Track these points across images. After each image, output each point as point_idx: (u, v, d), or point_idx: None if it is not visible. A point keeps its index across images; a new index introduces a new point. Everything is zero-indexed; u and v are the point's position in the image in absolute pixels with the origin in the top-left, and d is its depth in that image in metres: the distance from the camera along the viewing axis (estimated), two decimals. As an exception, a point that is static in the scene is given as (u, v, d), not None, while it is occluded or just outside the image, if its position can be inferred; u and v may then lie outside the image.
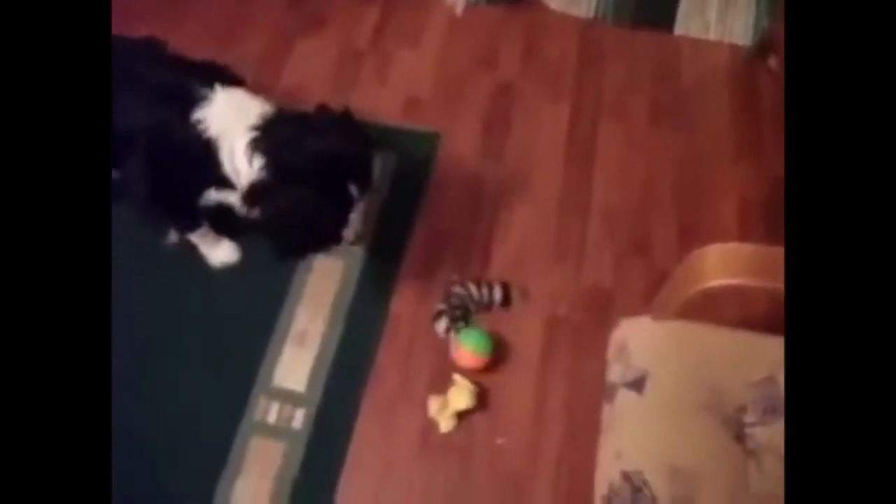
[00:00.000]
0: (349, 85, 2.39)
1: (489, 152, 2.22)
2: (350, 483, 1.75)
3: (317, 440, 1.80)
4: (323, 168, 1.62)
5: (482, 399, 1.81)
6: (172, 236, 2.02)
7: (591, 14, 2.56)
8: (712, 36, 2.51)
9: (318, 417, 1.82)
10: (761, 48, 2.44)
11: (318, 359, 1.89)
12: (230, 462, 1.77)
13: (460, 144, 2.24)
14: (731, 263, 1.29)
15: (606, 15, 2.56)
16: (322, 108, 1.76)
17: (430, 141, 2.24)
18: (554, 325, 1.93)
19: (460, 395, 1.78)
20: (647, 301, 1.49)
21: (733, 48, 2.49)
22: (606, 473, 1.30)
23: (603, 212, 2.12)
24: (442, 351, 1.89)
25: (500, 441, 1.79)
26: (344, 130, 1.69)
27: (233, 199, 1.75)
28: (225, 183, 1.71)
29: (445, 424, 1.78)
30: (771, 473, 1.29)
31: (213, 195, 1.78)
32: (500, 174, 2.18)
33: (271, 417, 1.83)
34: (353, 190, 1.66)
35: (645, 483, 1.26)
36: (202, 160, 1.67)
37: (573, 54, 2.45)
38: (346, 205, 1.68)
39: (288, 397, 1.85)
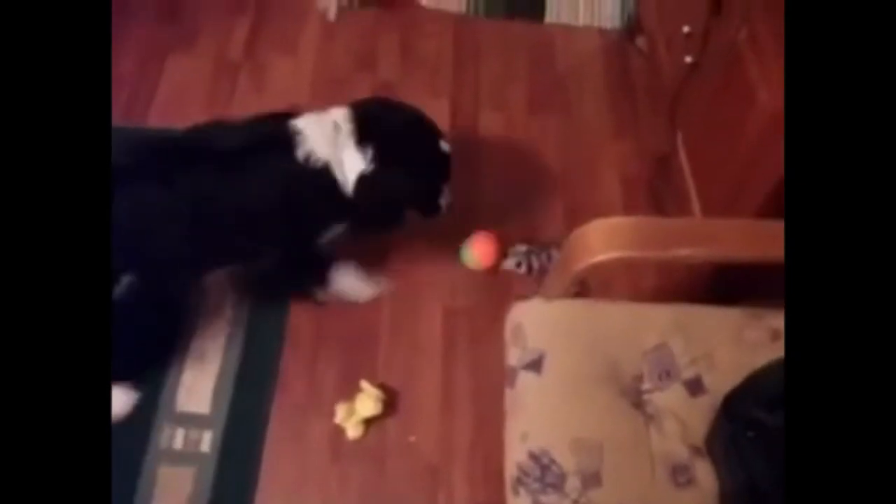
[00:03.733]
0: (227, 98, 2.36)
1: (374, 154, 2.22)
2: (265, 500, 1.72)
3: (227, 461, 1.76)
4: (421, 138, 1.74)
5: (390, 403, 1.81)
6: (320, 294, 1.93)
7: (463, 9, 2.59)
8: (582, 22, 2.59)
9: (226, 438, 1.79)
10: (629, 30, 2.52)
11: (220, 376, 1.86)
12: (139, 493, 1.72)
13: (345, 148, 2.22)
14: (612, 237, 1.33)
15: (478, 8, 2.60)
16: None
17: (314, 148, 2.23)
18: (452, 316, 1.95)
19: (367, 403, 1.78)
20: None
21: (603, 32, 2.57)
22: (514, 456, 1.32)
23: (492, 201, 2.14)
24: (348, 356, 1.88)
25: (412, 439, 1.80)
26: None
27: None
28: (341, 211, 1.73)
29: (353, 431, 1.77)
30: (671, 435, 1.34)
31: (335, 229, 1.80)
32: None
33: (177, 443, 1.78)
34: (445, 146, 1.75)
35: (552, 460, 1.28)
36: (327, 195, 1.66)
37: (449, 49, 2.48)
38: (445, 165, 1.77)
39: (193, 421, 1.81)
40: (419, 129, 1.75)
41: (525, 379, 1.37)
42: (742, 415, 1.29)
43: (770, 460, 1.23)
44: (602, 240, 1.32)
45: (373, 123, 1.67)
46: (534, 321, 1.43)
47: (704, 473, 1.31)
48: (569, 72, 2.45)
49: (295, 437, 1.79)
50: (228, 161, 1.60)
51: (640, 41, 2.45)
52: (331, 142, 1.64)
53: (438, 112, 2.30)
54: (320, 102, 2.31)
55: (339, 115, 1.68)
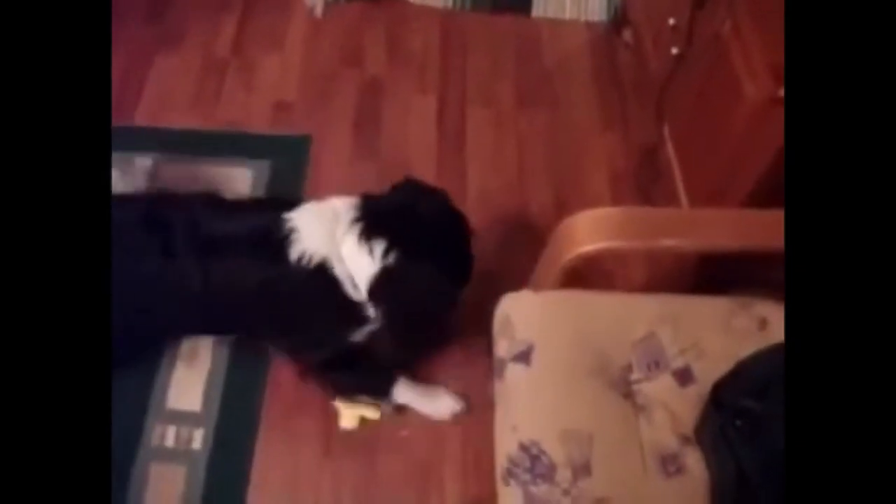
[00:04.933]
0: (214, 96, 2.35)
1: (362, 150, 2.22)
2: (258, 496, 1.72)
3: (219, 458, 1.76)
4: (445, 230, 1.53)
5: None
6: (386, 404, 1.80)
7: (450, 3, 2.59)
8: (568, 15, 2.59)
9: (218, 435, 1.78)
10: (616, 23, 2.52)
11: (211, 374, 1.85)
12: (131, 491, 1.72)
13: (333, 145, 2.23)
14: (599, 228, 1.34)
15: (465, 2, 2.60)
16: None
17: (301, 145, 2.23)
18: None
19: (370, 408, 1.79)
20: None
21: (590, 25, 2.57)
22: (504, 448, 1.32)
23: (480, 196, 2.14)
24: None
25: (404, 434, 1.80)
26: (424, 190, 1.58)
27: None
28: (353, 314, 1.55)
29: (347, 422, 1.78)
30: (661, 425, 1.35)
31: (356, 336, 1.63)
32: (375, 171, 2.18)
33: (169, 441, 1.78)
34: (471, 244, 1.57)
35: (542, 451, 1.29)
36: (327, 295, 1.50)
37: (436, 44, 2.49)
38: (469, 263, 1.58)
39: (184, 418, 1.81)
40: (447, 220, 1.55)
41: (514, 371, 1.37)
42: (730, 404, 1.30)
43: (758, 448, 1.24)
44: (589, 230, 1.33)
45: (384, 214, 1.50)
46: (522, 313, 1.43)
47: (694, 462, 1.32)
48: (556, 66, 2.45)
49: (286, 433, 1.79)
50: (214, 249, 1.49)
51: (627, 34, 2.46)
52: (328, 235, 1.48)
53: (426, 109, 2.32)
54: (308, 99, 2.33)
55: (341, 205, 1.52)
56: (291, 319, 1.58)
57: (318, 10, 2.55)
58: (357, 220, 1.48)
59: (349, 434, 1.78)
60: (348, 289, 1.50)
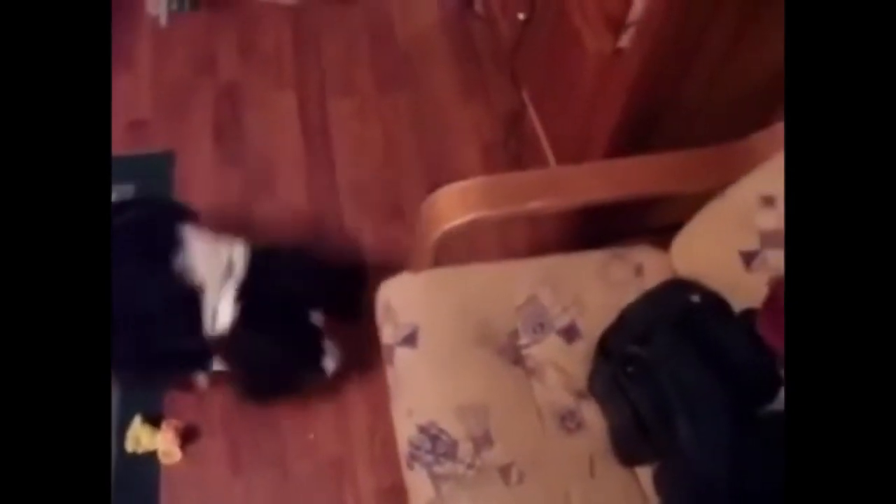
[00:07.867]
0: (65, 124, 2.25)
1: (227, 158, 2.16)
2: (171, 529, 1.67)
3: (123, 497, 1.68)
4: (286, 304, 1.54)
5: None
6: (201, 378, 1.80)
7: (297, -3, 2.54)
8: (416, -7, 2.57)
9: (119, 472, 1.71)
10: (466, -4, 2.53)
11: (100, 412, 1.78)
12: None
13: (196, 158, 2.16)
14: (463, 201, 1.34)
15: (312, -6, 2.55)
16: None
17: (164, 163, 2.15)
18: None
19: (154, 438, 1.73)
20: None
21: (441, 1, 2.56)
22: (404, 433, 1.32)
23: (353, 188, 2.13)
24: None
25: (310, 436, 1.78)
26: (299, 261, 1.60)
27: None
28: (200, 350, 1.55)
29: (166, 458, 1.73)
30: (554, 384, 1.37)
31: None
32: (242, 178, 2.14)
33: (68, 488, 1.70)
34: (316, 319, 1.58)
35: (441, 430, 1.29)
36: (186, 319, 1.48)
37: (289, 40, 2.43)
38: (315, 339, 1.59)
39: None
40: (324, 292, 1.60)
41: (402, 355, 1.37)
42: (618, 352, 1.33)
43: (649, 391, 1.27)
44: (452, 205, 1.33)
45: (259, 278, 1.51)
46: (402, 296, 1.43)
47: (592, 415, 1.34)
48: (412, 46, 2.43)
49: (189, 458, 1.73)
50: None
51: (478, 5, 2.46)
52: (217, 275, 1.48)
53: (287, 107, 2.28)
54: (164, 113, 2.26)
55: (236, 255, 1.52)
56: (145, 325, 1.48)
57: (163, 20, 2.46)
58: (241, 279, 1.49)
59: (256, 448, 1.76)
60: (206, 321, 1.49)
